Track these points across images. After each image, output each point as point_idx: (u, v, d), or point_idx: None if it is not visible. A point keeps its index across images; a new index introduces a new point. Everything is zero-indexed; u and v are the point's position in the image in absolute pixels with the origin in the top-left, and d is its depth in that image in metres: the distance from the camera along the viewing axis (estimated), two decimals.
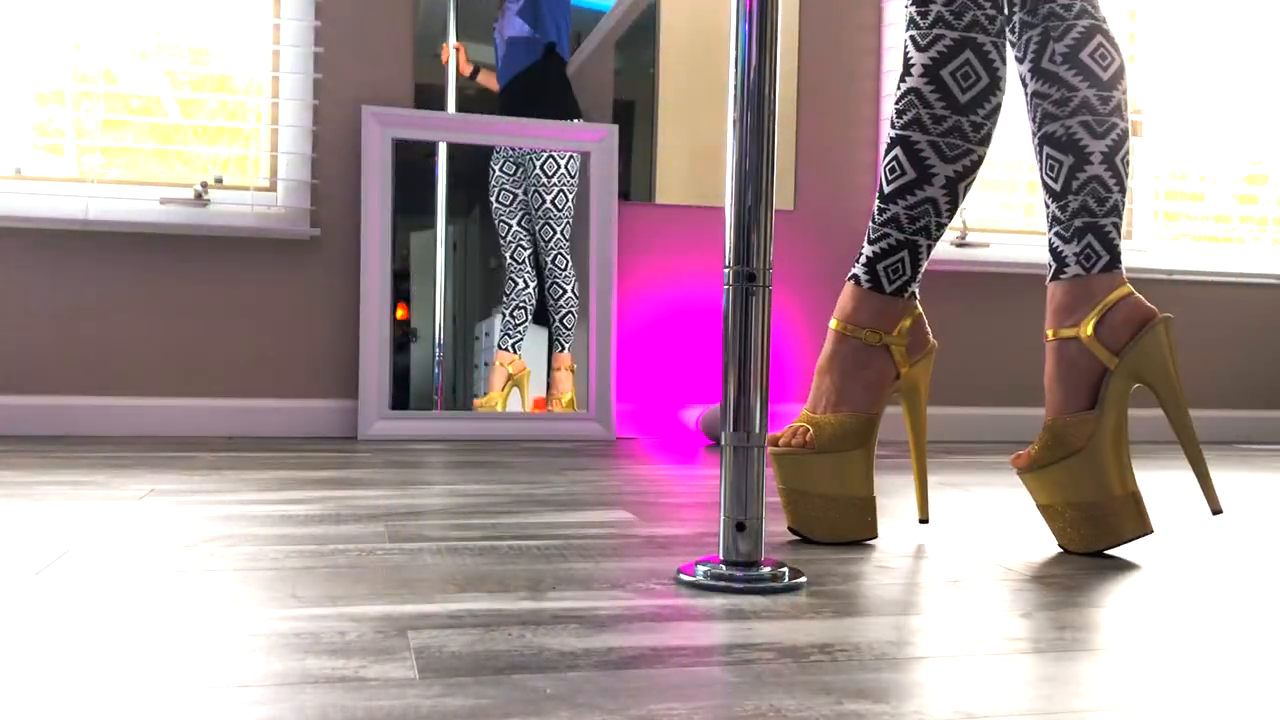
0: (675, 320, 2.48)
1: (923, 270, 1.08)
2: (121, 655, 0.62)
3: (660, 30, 2.47)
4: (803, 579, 0.86)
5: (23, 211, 2.16)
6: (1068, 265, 1.07)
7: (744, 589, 0.83)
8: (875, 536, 1.06)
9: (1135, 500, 1.01)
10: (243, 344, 2.27)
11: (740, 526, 0.86)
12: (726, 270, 0.87)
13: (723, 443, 0.87)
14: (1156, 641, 0.71)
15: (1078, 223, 1.06)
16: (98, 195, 2.20)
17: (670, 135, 2.48)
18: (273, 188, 2.31)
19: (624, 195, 2.44)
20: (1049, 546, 1.07)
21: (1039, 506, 1.06)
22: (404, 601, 0.76)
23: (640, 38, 2.45)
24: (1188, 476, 1.82)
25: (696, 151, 2.49)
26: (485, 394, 2.34)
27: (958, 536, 1.12)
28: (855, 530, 1.05)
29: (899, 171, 1.07)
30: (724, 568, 0.86)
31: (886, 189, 1.07)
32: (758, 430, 0.86)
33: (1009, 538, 1.12)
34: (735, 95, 0.87)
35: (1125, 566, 0.98)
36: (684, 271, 2.49)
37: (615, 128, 2.40)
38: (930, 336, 1.10)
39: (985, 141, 1.07)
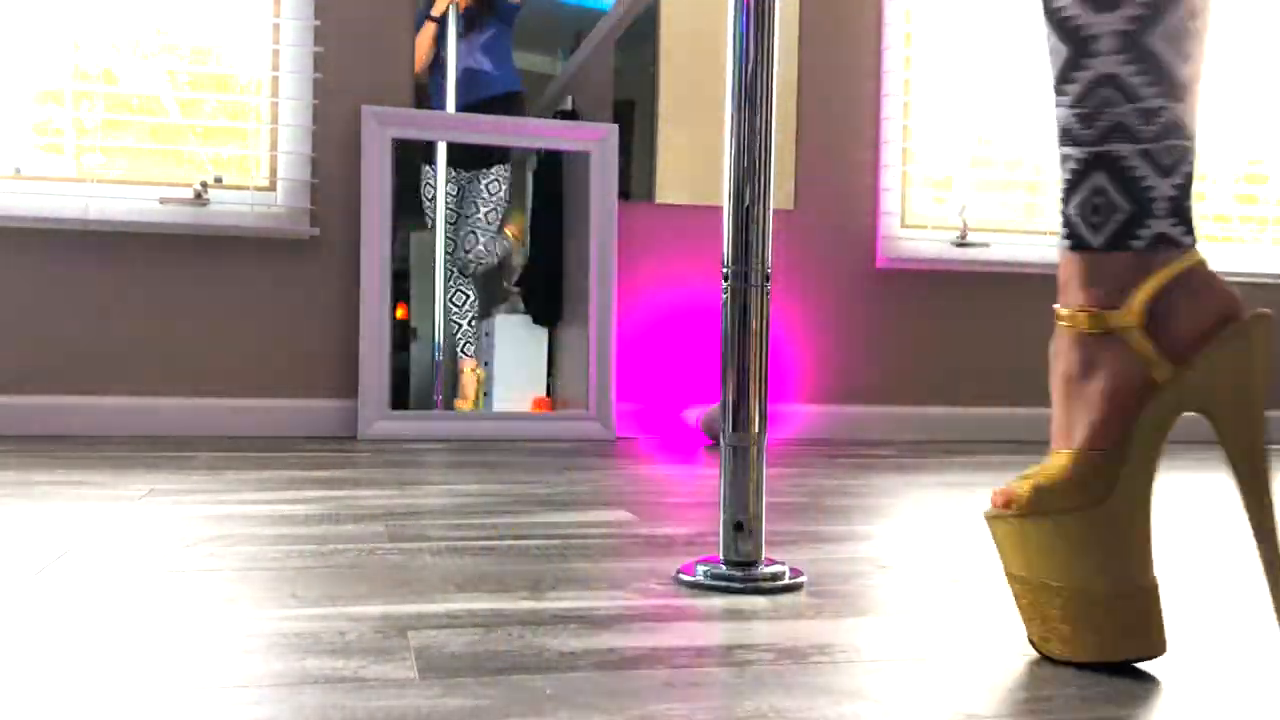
0: (675, 320, 2.48)
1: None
2: (121, 655, 0.62)
3: (660, 30, 2.47)
4: (803, 579, 0.86)
5: (23, 211, 2.16)
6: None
7: (744, 589, 0.83)
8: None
9: (1151, 599, 0.64)
10: (243, 344, 2.27)
11: (740, 526, 0.86)
12: (725, 270, 0.87)
13: (722, 443, 0.87)
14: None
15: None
16: (98, 195, 2.20)
17: (670, 135, 2.48)
18: (272, 187, 2.30)
19: (624, 195, 2.44)
20: None
21: (1009, 578, 0.68)
22: (404, 601, 0.76)
23: (640, 38, 2.45)
24: (1189, 478, 1.81)
25: (696, 151, 2.49)
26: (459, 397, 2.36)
27: (958, 536, 1.12)
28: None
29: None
30: (724, 568, 0.86)
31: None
32: (757, 430, 0.86)
33: None
34: (733, 94, 0.87)
35: None
36: (684, 271, 2.48)
37: (615, 127, 2.40)
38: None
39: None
